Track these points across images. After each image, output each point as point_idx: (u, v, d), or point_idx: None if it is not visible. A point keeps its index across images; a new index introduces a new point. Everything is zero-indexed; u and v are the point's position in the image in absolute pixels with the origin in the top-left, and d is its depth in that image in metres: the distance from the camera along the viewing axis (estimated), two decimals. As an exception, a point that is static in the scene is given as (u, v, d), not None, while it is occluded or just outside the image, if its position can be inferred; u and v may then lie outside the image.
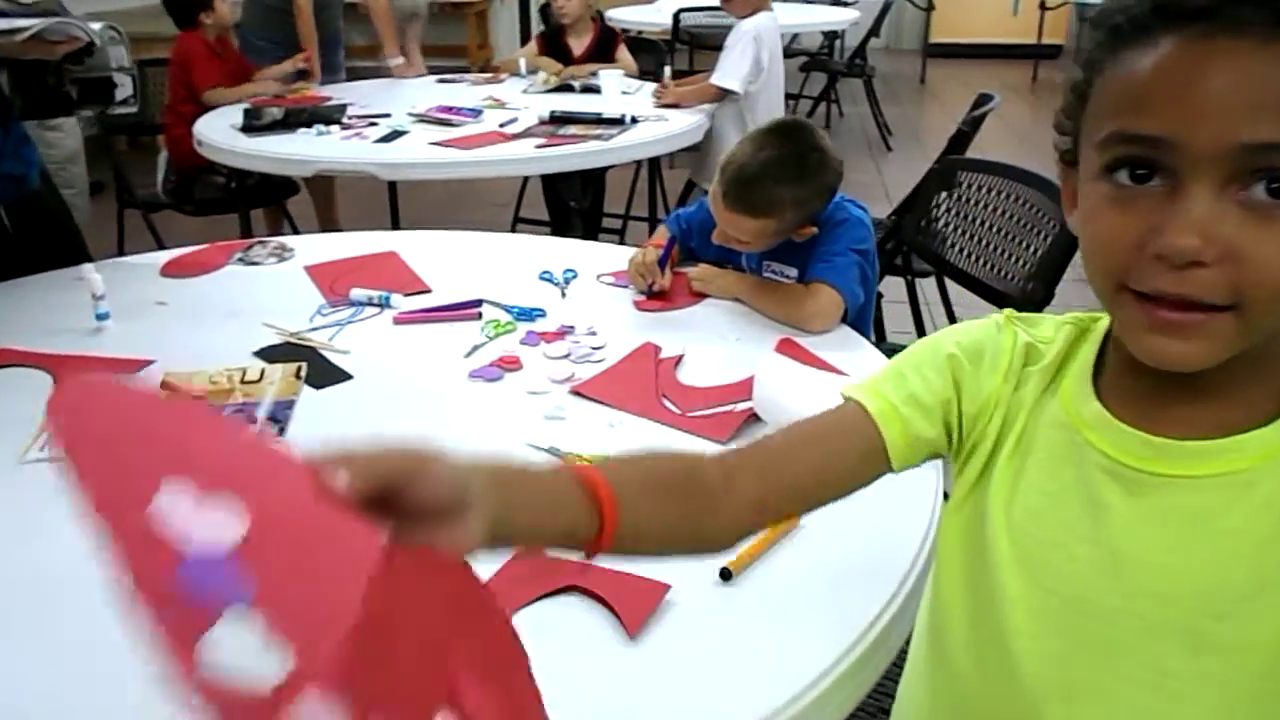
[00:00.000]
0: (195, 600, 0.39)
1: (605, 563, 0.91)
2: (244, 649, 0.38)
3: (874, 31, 6.00)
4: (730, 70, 3.03)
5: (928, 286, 2.64)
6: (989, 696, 0.70)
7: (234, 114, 2.97)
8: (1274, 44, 0.51)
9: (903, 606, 0.90)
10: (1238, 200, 0.53)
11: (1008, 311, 0.74)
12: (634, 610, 0.86)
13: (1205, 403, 0.61)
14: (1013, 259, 1.94)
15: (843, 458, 0.71)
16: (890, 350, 1.43)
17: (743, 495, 0.68)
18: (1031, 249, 1.88)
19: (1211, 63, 0.52)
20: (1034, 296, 1.78)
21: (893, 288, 2.65)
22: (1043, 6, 7.25)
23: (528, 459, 0.62)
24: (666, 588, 0.89)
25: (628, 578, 0.90)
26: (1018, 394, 0.70)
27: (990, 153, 2.66)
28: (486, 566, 0.90)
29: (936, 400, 0.71)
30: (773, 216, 1.49)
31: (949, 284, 2.78)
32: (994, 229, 2.03)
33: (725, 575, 0.92)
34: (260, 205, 3.61)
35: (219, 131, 2.86)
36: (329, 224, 3.88)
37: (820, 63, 6.19)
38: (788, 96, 6.23)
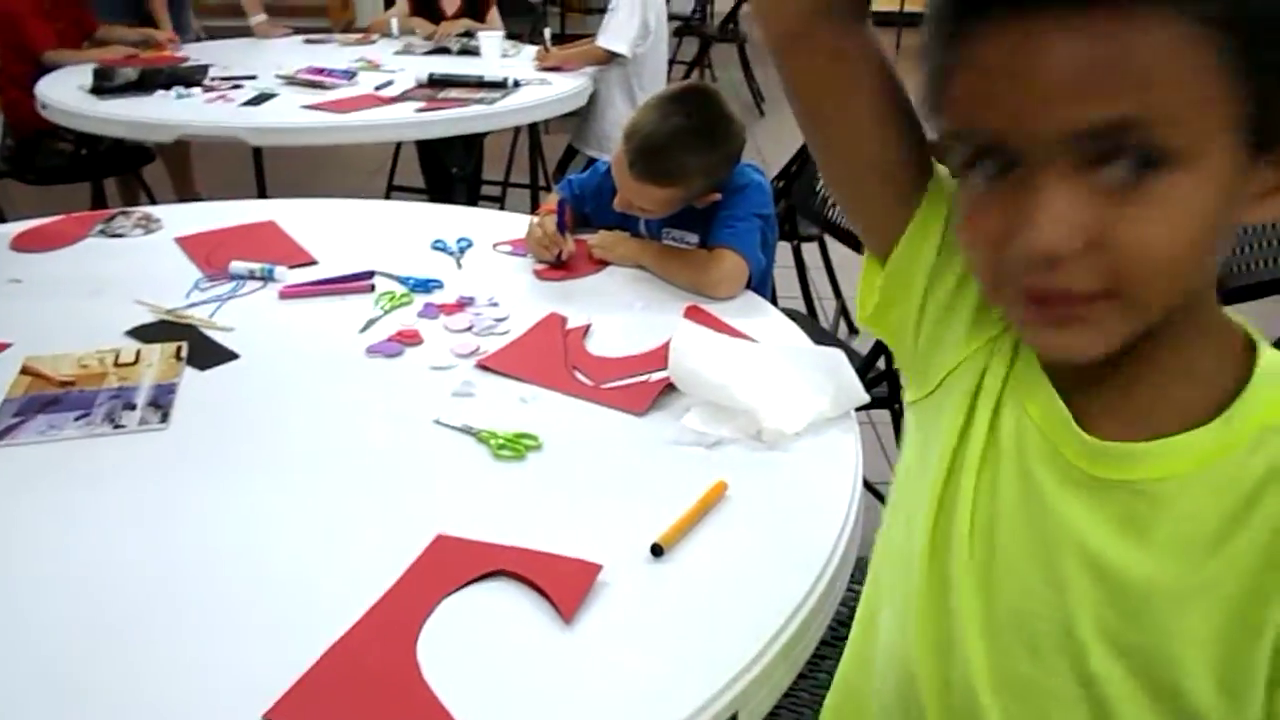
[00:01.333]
0: None
1: (536, 545, 0.89)
2: None
3: (746, -4, 6.02)
4: (617, 32, 2.97)
5: (810, 251, 2.68)
6: (931, 676, 0.67)
7: (82, 74, 2.75)
8: (1092, 14, 0.47)
9: (832, 579, 0.90)
10: (1091, 185, 0.49)
11: None
12: (567, 593, 0.83)
13: (1134, 401, 0.58)
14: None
15: (895, 141, 0.64)
16: (784, 314, 1.43)
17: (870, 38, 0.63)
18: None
19: (1036, 44, 0.48)
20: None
21: (778, 252, 2.68)
22: (905, -26, 7.41)
23: None
24: (598, 568, 0.86)
25: (559, 560, 0.87)
26: (998, 349, 0.65)
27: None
28: (409, 554, 0.86)
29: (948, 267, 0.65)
30: (680, 185, 1.47)
31: (831, 249, 2.83)
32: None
33: (656, 551, 0.89)
34: (113, 173, 3.37)
35: (66, 93, 2.64)
36: (187, 193, 3.66)
37: (694, 28, 6.18)
38: (664, 62, 6.23)
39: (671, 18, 6.34)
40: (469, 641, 0.80)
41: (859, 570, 0.91)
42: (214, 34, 3.99)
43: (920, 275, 0.66)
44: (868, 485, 2.08)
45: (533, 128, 3.42)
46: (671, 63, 6.19)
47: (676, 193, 1.48)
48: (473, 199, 3.61)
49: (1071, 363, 0.57)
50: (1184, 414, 0.57)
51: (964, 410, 0.65)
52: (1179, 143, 0.48)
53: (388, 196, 3.90)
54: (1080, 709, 0.61)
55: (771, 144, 4.86)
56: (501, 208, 3.74)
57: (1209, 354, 0.58)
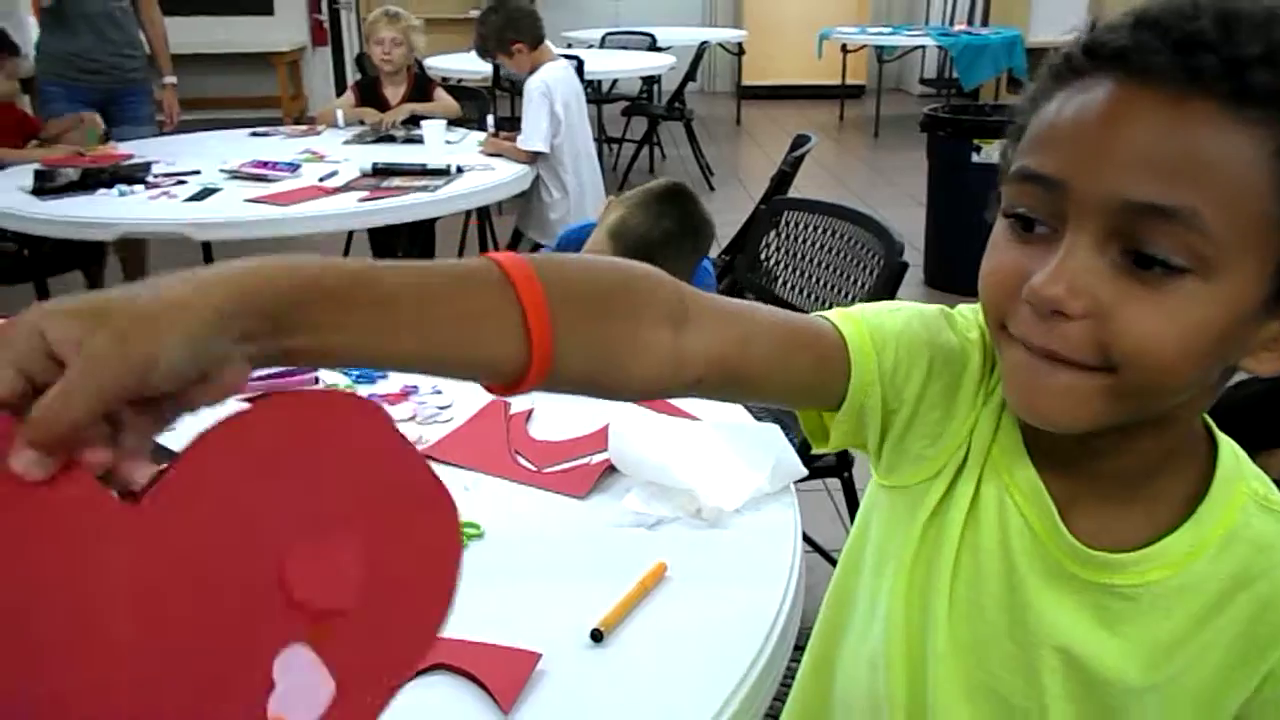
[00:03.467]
0: None
1: (470, 635, 0.88)
2: None
3: (690, 76, 6.18)
4: (531, 132, 3.08)
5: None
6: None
7: (22, 175, 2.75)
8: (1187, 103, 0.48)
9: (773, 654, 0.90)
10: (1116, 260, 0.50)
11: (968, 320, 0.66)
12: (505, 684, 0.83)
13: (1110, 497, 0.60)
14: (840, 292, 2.02)
15: (800, 365, 0.62)
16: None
17: (684, 350, 0.56)
18: (858, 283, 1.96)
19: (1116, 111, 0.49)
20: (865, 329, 1.85)
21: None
22: (844, 50, 7.66)
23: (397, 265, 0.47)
24: (537, 656, 0.86)
25: (496, 650, 0.86)
26: (980, 418, 0.65)
27: (805, 189, 2.77)
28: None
29: (905, 384, 0.64)
30: None
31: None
32: (821, 264, 2.10)
33: (596, 637, 0.89)
34: (58, 273, 3.35)
35: (6, 194, 2.64)
36: (138, 288, 3.64)
37: (641, 107, 6.32)
38: (613, 141, 6.37)
39: (619, 98, 6.56)
40: (406, 740, 0.79)
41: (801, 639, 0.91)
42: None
43: (876, 400, 0.64)
44: (821, 551, 2.10)
45: (483, 211, 3.47)
46: (622, 141, 6.36)
47: None
48: (424, 284, 3.63)
49: (1052, 431, 0.57)
50: (1156, 516, 0.59)
51: (946, 481, 0.65)
52: (1211, 252, 0.48)
53: (339, 284, 3.92)
54: None
55: (720, 217, 4.95)
56: (453, 291, 3.76)
57: (1178, 456, 0.60)
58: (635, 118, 6.26)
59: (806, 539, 1.09)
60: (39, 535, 0.37)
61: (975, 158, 4.09)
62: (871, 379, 0.62)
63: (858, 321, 0.63)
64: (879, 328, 0.63)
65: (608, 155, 6.43)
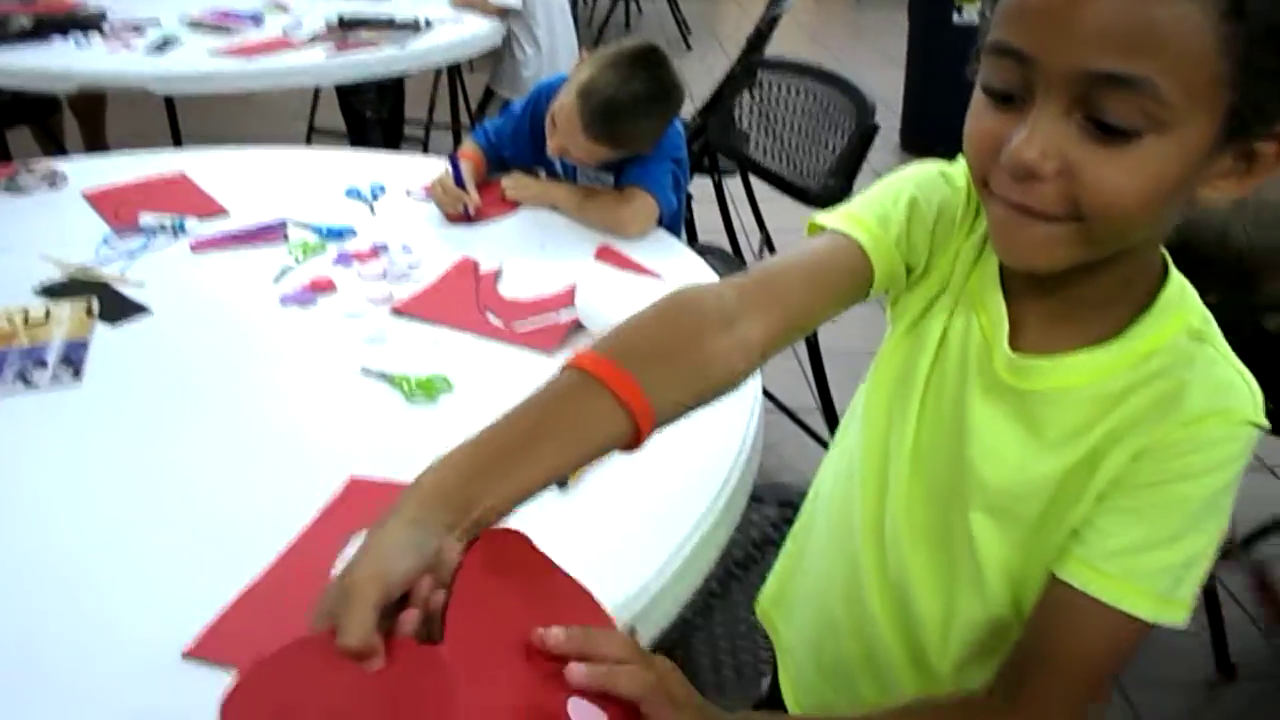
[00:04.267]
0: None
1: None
2: None
3: (668, -73, 5.95)
4: None
5: (733, 185, 2.71)
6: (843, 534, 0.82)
7: (-27, 23, 2.65)
8: None
9: (730, 499, 0.95)
10: (1081, 123, 0.55)
11: (959, 170, 0.75)
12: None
13: (1061, 320, 0.67)
14: (813, 156, 2.02)
15: (836, 290, 0.72)
16: (701, 250, 1.47)
17: (748, 338, 0.67)
18: (830, 147, 1.96)
19: None
20: (834, 191, 1.86)
21: (700, 187, 2.70)
22: (828, -99, 7.36)
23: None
24: (506, 501, 0.90)
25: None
26: (964, 249, 0.74)
27: (784, 49, 2.72)
28: (323, 497, 0.89)
29: (914, 241, 0.74)
30: (631, 148, 1.52)
31: (754, 181, 2.87)
32: (794, 128, 2.09)
33: (561, 484, 0.94)
34: (13, 125, 3.26)
35: (-42, 43, 2.55)
36: (97, 144, 3.56)
37: (617, -41, 6.10)
38: (590, -5, 6.15)
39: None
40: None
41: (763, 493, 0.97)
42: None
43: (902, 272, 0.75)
44: (782, 406, 2.15)
45: (453, 69, 3.39)
46: (597, -6, 6.15)
47: (623, 153, 1.53)
48: (394, 142, 3.57)
49: (1026, 271, 0.65)
50: (1091, 333, 0.67)
51: (926, 299, 0.75)
52: (1167, 115, 0.53)
53: (308, 141, 3.85)
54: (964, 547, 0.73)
55: (698, 79, 4.85)
56: (425, 149, 3.70)
57: (1133, 285, 0.66)
58: (612, -30, 6.06)
59: (766, 394, 1.14)
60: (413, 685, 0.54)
61: (956, 19, 4.01)
62: (895, 265, 0.73)
63: (868, 224, 0.72)
64: (885, 220, 0.72)
65: (583, 9, 6.24)
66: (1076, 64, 0.54)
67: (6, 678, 0.74)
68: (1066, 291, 0.66)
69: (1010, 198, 0.59)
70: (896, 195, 0.74)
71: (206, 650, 0.75)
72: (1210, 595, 1.72)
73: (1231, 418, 0.63)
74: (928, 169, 0.76)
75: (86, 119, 3.58)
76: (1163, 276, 0.67)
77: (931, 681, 0.80)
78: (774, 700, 0.95)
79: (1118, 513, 0.65)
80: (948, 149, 0.72)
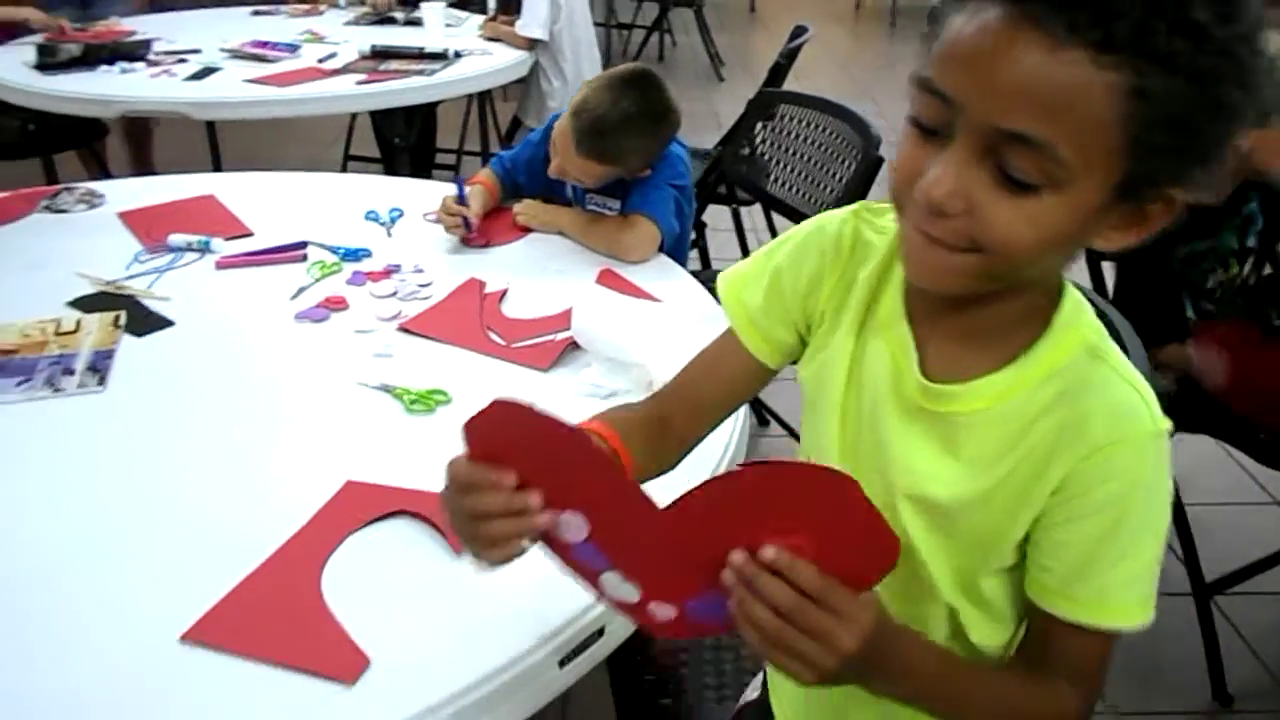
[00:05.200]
0: (589, 563, 0.72)
1: (432, 487, 0.97)
2: (616, 586, 0.72)
3: (702, -40, 6.05)
4: (530, 18, 3.06)
5: (755, 214, 2.76)
6: None
7: (26, 51, 2.78)
8: (1064, 49, 0.55)
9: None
10: (990, 170, 0.60)
11: (860, 205, 0.81)
12: (460, 528, 0.93)
13: (963, 347, 0.72)
14: (822, 186, 2.07)
15: (731, 379, 0.87)
16: (713, 276, 1.52)
17: (681, 432, 0.87)
18: (838, 177, 2.00)
19: (1005, 46, 0.57)
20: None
21: (719, 216, 2.76)
22: (863, -64, 7.45)
23: None
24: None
25: (453, 499, 0.96)
26: (854, 278, 0.79)
27: (813, 80, 2.78)
28: (321, 499, 0.95)
29: (795, 297, 0.82)
30: (620, 165, 1.59)
31: (773, 211, 2.92)
32: (806, 159, 2.15)
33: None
34: (65, 149, 3.40)
35: (11, 69, 2.68)
36: (143, 167, 3.69)
37: (651, -8, 6.20)
38: (623, 26, 6.27)
39: (630, -18, 6.41)
40: (368, 572, 0.90)
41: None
42: (163, 4, 3.97)
43: (789, 336, 0.84)
44: (776, 417, 2.17)
45: (484, 97, 3.48)
46: (631, 27, 6.26)
47: (615, 170, 1.60)
48: (424, 168, 3.66)
49: (933, 293, 0.69)
50: (994, 357, 0.71)
51: (823, 333, 0.81)
52: (1065, 175, 0.58)
53: (344, 167, 3.95)
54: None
55: (729, 108, 4.93)
56: (456, 177, 3.79)
57: (1035, 311, 0.71)
58: (646, 3, 6.16)
59: (772, 415, 1.18)
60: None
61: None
62: (780, 341, 0.84)
63: (743, 318, 0.85)
64: (756, 308, 0.84)
65: (617, 41, 6.35)
66: (993, 118, 0.58)
67: (33, 658, 0.81)
68: (969, 318, 0.70)
69: (921, 226, 0.64)
70: (761, 272, 0.84)
71: (202, 634, 0.81)
72: (1207, 625, 1.73)
73: (1134, 440, 0.67)
74: (806, 226, 0.83)
75: (134, 144, 3.71)
76: (1058, 297, 0.71)
77: None
78: (763, 703, 0.98)
79: (1065, 546, 0.70)
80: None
